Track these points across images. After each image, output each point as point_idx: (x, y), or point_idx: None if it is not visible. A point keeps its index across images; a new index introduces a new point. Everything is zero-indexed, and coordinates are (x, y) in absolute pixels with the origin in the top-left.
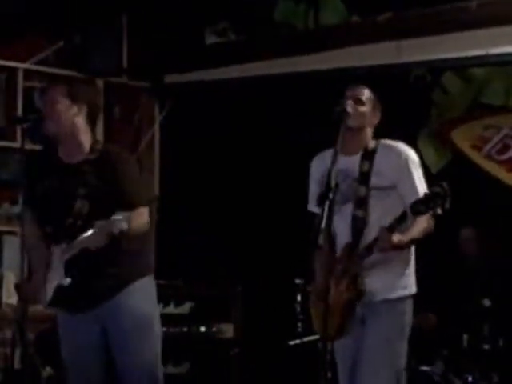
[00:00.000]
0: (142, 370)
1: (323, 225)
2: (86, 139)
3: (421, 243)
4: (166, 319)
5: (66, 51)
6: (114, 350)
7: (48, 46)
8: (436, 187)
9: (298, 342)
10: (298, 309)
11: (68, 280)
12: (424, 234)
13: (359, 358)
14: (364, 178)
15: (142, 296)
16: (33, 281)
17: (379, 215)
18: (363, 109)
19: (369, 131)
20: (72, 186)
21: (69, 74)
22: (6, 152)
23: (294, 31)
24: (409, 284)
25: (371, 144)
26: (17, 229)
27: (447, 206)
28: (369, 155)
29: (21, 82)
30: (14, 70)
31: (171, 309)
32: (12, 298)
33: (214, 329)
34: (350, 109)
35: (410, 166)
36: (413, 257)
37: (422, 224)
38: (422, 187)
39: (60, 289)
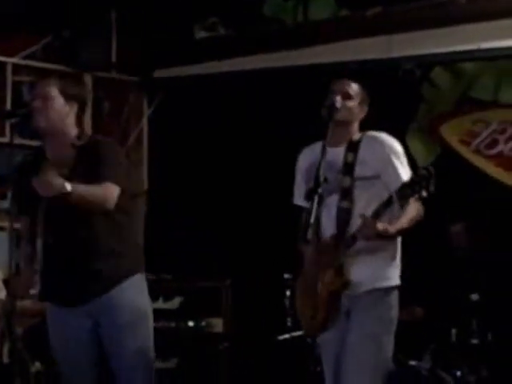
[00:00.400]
0: (136, 364)
1: (312, 219)
2: (74, 136)
3: (409, 236)
4: (155, 314)
5: (54, 46)
6: (108, 344)
7: (37, 41)
8: (420, 169)
9: (287, 336)
10: (287, 303)
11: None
12: (413, 224)
13: (343, 352)
14: (348, 168)
15: (135, 292)
16: (22, 275)
17: (364, 205)
18: (351, 103)
19: (355, 124)
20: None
21: (57, 69)
22: None
23: (283, 26)
24: (394, 275)
25: (356, 136)
26: (5, 224)
27: (432, 188)
28: (353, 146)
29: (10, 77)
30: (3, 64)
31: (160, 303)
32: (1, 293)
33: (203, 323)
34: (338, 104)
35: (393, 155)
36: (399, 248)
37: (411, 213)
38: (405, 174)
39: (49, 282)
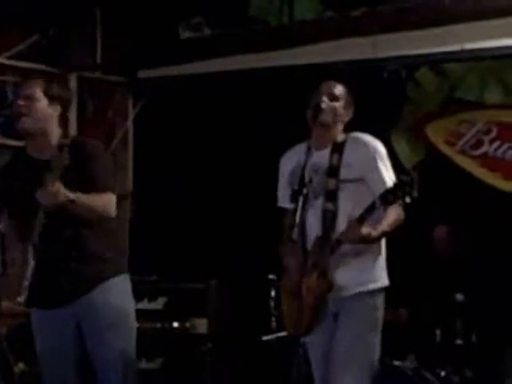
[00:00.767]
0: (117, 365)
1: (298, 219)
2: (56, 137)
3: (393, 237)
4: (139, 315)
5: (39, 46)
6: (90, 344)
7: (22, 41)
8: (403, 176)
9: (271, 337)
10: (272, 304)
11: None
12: (394, 227)
13: (332, 354)
14: (333, 170)
15: (118, 293)
16: (8, 277)
17: (349, 208)
18: (337, 104)
19: (340, 126)
20: (44, 179)
21: (42, 69)
22: None
23: (268, 26)
24: (380, 277)
25: (340, 138)
26: None
27: (415, 194)
28: (338, 148)
29: None
30: None
31: (145, 304)
32: None
33: (187, 324)
34: (324, 105)
35: (377, 158)
36: (383, 250)
37: (391, 217)
38: (389, 178)
39: (34, 286)
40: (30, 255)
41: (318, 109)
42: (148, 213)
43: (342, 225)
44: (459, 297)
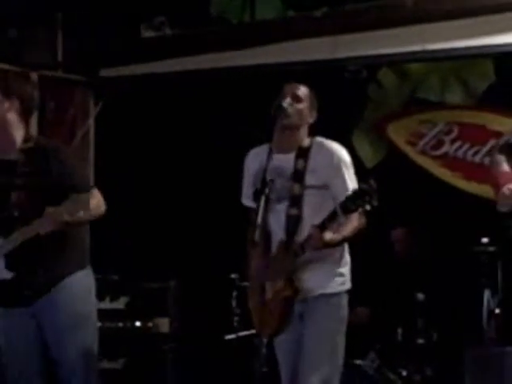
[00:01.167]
0: (78, 364)
1: (259, 221)
2: (18, 134)
3: (354, 238)
4: (101, 314)
5: (0, 45)
6: (51, 344)
7: None
8: (363, 184)
9: (233, 336)
10: (234, 303)
11: (10, 274)
12: (356, 232)
13: (300, 353)
14: (298, 176)
15: (78, 290)
16: None
17: (313, 213)
18: (300, 106)
19: (304, 129)
20: (7, 178)
21: (3, 68)
22: None
23: (229, 26)
24: (344, 281)
25: (306, 142)
26: None
27: (375, 203)
28: (303, 153)
29: None
30: None
31: (106, 304)
32: None
33: (149, 324)
34: (286, 105)
35: (343, 167)
36: (347, 253)
37: (354, 222)
38: (353, 186)
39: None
40: None
41: (281, 111)
42: (109, 212)
43: (305, 230)
44: (420, 296)
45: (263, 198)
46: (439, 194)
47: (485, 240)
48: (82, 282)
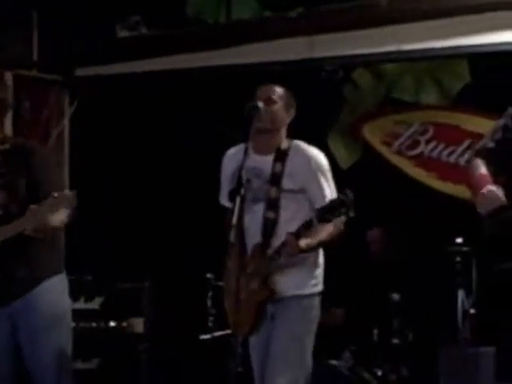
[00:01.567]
0: (52, 366)
1: (234, 221)
2: None
3: (330, 244)
4: (75, 314)
5: None
6: (23, 345)
7: None
8: (341, 195)
9: (208, 336)
10: (209, 303)
11: None
12: (332, 237)
13: (269, 353)
14: (276, 179)
15: (54, 294)
16: None
17: (290, 217)
18: (274, 108)
19: (282, 130)
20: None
21: None
22: None
23: (205, 26)
24: (317, 282)
25: (284, 144)
26: None
27: (351, 214)
28: (281, 156)
29: None
30: None
31: (81, 304)
32: None
33: (124, 324)
34: (261, 107)
35: (320, 172)
36: (321, 256)
37: (330, 228)
38: (330, 193)
39: None
40: None
41: (255, 110)
42: (84, 212)
43: (282, 234)
44: (395, 296)
45: (238, 199)
46: (414, 194)
47: (459, 240)
48: (58, 286)
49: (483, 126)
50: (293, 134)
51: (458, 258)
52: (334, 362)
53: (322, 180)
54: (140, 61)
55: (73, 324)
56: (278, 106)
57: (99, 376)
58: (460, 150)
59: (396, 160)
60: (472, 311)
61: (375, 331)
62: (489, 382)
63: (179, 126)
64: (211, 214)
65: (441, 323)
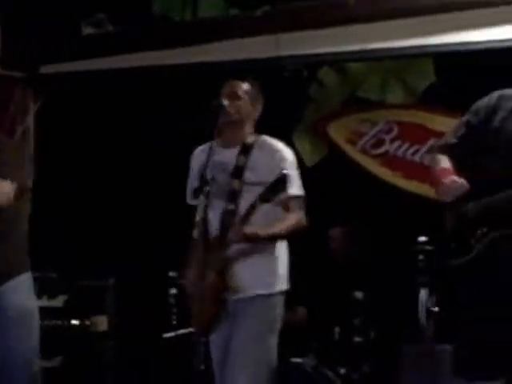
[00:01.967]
0: (19, 365)
1: (198, 218)
2: None
3: (292, 237)
4: (39, 312)
5: None
6: None
7: None
8: (280, 176)
9: (172, 334)
10: (173, 301)
11: None
12: (291, 231)
13: (229, 352)
14: (238, 172)
15: (21, 292)
16: None
17: None
18: (239, 103)
19: (248, 125)
20: None
21: None
22: None
23: (171, 23)
24: (280, 281)
25: (250, 139)
26: None
27: (291, 190)
28: (246, 150)
29: None
30: None
31: (44, 302)
32: None
33: (87, 322)
34: (225, 102)
35: (282, 166)
36: (284, 253)
37: (288, 221)
38: (296, 187)
39: None
40: None
41: (220, 108)
42: (48, 209)
43: None
44: (358, 295)
45: (202, 196)
46: (379, 192)
47: (422, 239)
48: (25, 284)
49: (448, 125)
50: (259, 131)
51: (421, 257)
52: (297, 361)
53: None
54: (105, 58)
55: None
56: (243, 101)
57: (62, 374)
58: (425, 149)
59: (361, 158)
60: (434, 309)
61: (337, 329)
62: (450, 379)
63: (145, 123)
64: (175, 211)
65: (403, 321)
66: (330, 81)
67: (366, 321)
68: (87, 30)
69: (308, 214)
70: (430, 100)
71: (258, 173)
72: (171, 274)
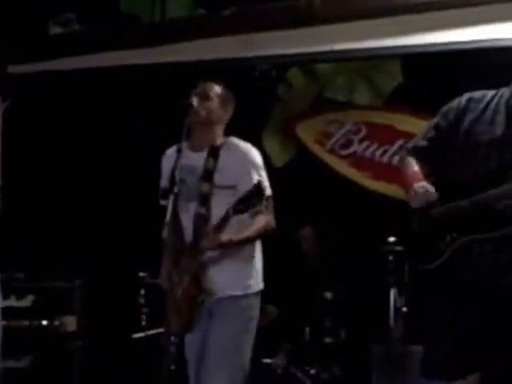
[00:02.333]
0: None
1: (167, 218)
2: None
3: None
4: (6, 312)
5: None
6: None
7: None
8: (254, 187)
9: (141, 335)
10: (142, 302)
11: None
12: (262, 234)
13: (205, 352)
14: (208, 175)
15: None
16: None
17: (221, 213)
18: (209, 104)
19: (218, 128)
20: None
21: None
22: None
23: (139, 23)
24: (255, 282)
25: (218, 141)
26: None
27: (264, 203)
28: (214, 152)
29: None
30: None
31: (12, 302)
32: None
33: (56, 322)
34: (195, 103)
35: (251, 167)
36: (259, 254)
37: (258, 224)
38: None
39: None
40: None
41: (189, 107)
42: (16, 210)
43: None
44: (328, 295)
45: (172, 197)
46: (347, 193)
47: (392, 239)
48: None
49: (416, 126)
50: (227, 131)
51: (391, 257)
52: (267, 361)
53: (255, 176)
54: (73, 58)
55: (4, 322)
56: (214, 103)
57: (31, 375)
58: (393, 149)
59: (329, 159)
60: (404, 310)
61: (308, 330)
62: (420, 380)
63: (112, 123)
64: (144, 212)
65: (373, 322)
66: (298, 82)
67: (336, 321)
68: (55, 30)
69: (277, 214)
70: (398, 101)
71: (227, 176)
72: (141, 274)
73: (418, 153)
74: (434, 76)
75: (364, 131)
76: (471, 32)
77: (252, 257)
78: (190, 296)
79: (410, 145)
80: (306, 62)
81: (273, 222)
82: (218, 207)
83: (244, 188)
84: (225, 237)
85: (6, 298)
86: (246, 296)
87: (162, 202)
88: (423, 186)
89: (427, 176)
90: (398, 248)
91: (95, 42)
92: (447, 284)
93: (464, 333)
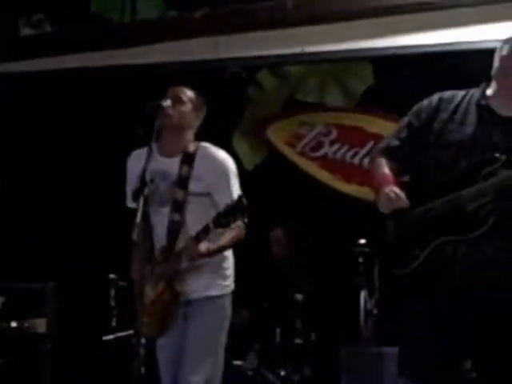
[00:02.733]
0: None
1: (138, 220)
2: None
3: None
4: None
5: None
6: None
7: None
8: (236, 202)
9: (112, 337)
10: (112, 304)
11: None
12: (234, 242)
13: (182, 353)
14: (182, 182)
15: None
16: None
17: (196, 220)
18: (182, 108)
19: (189, 133)
20: None
21: None
22: None
23: (110, 24)
24: (228, 283)
25: (191, 147)
26: None
27: (246, 220)
28: (188, 159)
29: None
30: None
31: None
32: None
33: (26, 324)
34: (166, 105)
35: (226, 174)
36: (231, 255)
37: (232, 233)
38: (236, 195)
39: None
40: None
41: (159, 109)
42: None
43: (186, 237)
44: (298, 297)
45: (142, 199)
46: (318, 195)
47: (362, 241)
48: None
49: (387, 128)
50: (197, 134)
51: (361, 259)
52: (238, 363)
53: (229, 184)
54: (43, 59)
55: None
56: (187, 107)
57: (1, 376)
58: (364, 151)
59: (300, 161)
60: (374, 311)
61: (278, 331)
62: (390, 381)
63: (84, 124)
64: (114, 214)
65: (343, 323)
66: (268, 83)
67: (307, 323)
68: (25, 31)
69: (248, 216)
70: (369, 103)
71: (202, 183)
72: (111, 276)
73: (391, 152)
74: (404, 78)
75: (335, 133)
76: (442, 35)
77: (226, 257)
78: (164, 301)
79: (381, 145)
80: (277, 63)
81: (243, 229)
82: (192, 214)
83: (224, 201)
84: (203, 247)
85: None
86: (221, 296)
87: (130, 204)
88: (393, 190)
89: (398, 176)
90: (368, 250)
91: (65, 43)
92: (422, 287)
93: (438, 336)
